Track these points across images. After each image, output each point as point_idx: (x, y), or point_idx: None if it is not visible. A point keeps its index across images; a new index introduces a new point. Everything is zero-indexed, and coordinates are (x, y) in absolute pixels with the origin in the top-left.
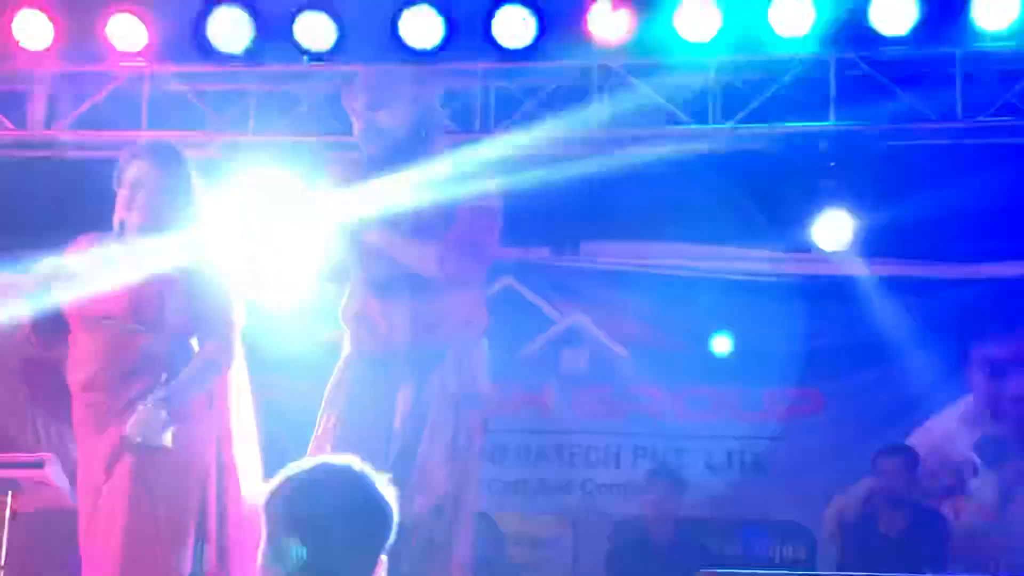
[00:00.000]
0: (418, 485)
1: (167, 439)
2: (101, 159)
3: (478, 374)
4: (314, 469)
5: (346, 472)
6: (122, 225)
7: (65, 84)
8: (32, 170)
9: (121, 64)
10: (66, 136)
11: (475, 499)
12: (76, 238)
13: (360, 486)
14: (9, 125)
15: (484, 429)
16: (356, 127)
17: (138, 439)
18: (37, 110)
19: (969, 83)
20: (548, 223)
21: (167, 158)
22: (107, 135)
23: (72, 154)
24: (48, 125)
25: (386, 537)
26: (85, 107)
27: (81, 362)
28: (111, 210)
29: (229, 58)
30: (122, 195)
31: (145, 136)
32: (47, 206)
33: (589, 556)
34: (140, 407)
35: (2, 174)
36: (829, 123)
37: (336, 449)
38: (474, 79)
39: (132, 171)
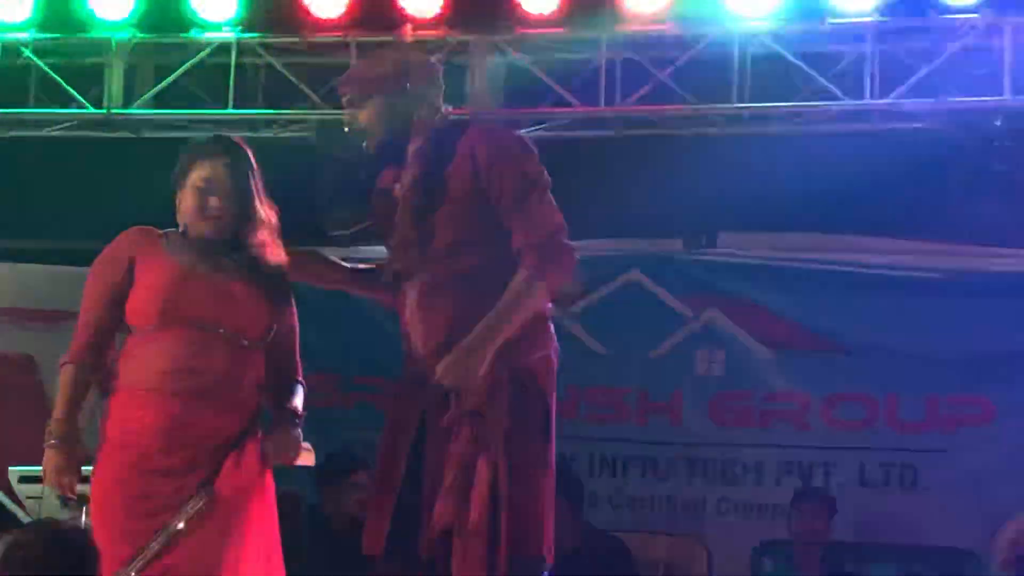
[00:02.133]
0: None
1: (310, 457)
2: (185, 141)
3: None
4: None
5: (38, 529)
6: (187, 229)
7: (145, 57)
8: (112, 151)
9: (206, 34)
10: (146, 115)
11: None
12: (127, 230)
13: (47, 542)
14: (85, 103)
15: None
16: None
17: (281, 457)
18: (115, 87)
19: None
20: (681, 211)
21: (240, 159)
22: (192, 114)
23: (151, 134)
24: (126, 103)
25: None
26: (167, 83)
27: (177, 363)
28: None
29: (326, 27)
30: (189, 197)
31: (232, 116)
32: (126, 191)
33: None
34: (284, 425)
35: (75, 158)
36: (1004, 97)
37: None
38: (597, 50)
39: (201, 172)
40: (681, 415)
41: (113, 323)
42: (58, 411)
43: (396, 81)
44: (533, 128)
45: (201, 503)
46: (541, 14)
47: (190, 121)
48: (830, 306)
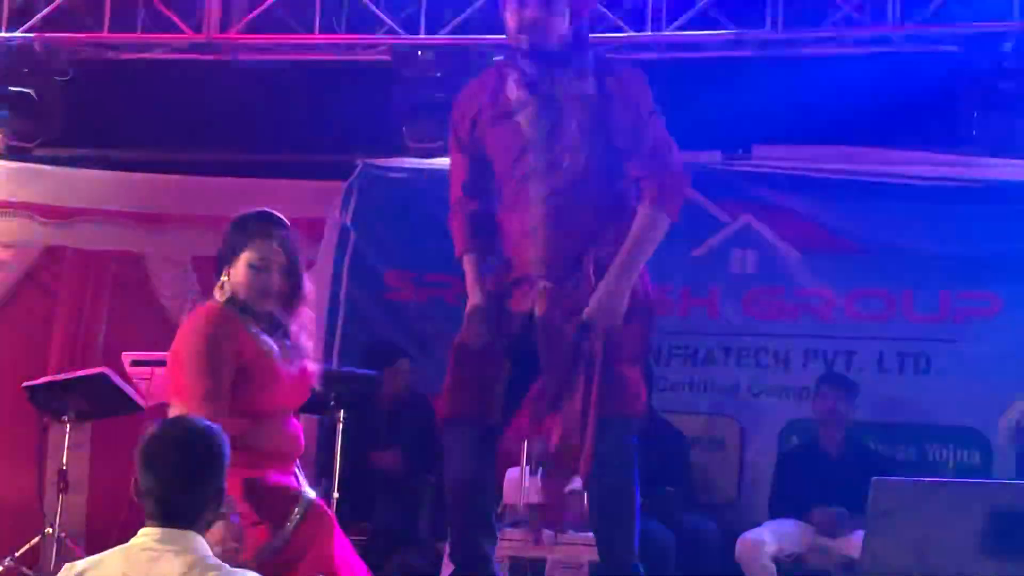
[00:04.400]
0: None
1: None
2: (274, 63)
3: None
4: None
5: (175, 420)
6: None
7: None
8: (209, 72)
9: None
10: (241, 40)
11: None
12: (213, 312)
13: (180, 428)
14: (185, 29)
15: None
16: (512, 21)
17: None
18: (211, 14)
19: None
20: (720, 126)
21: (290, 236)
22: (281, 39)
23: (245, 57)
24: (223, 29)
25: (199, 467)
26: (258, 11)
27: (282, 443)
28: (282, 114)
29: None
30: (247, 275)
31: (318, 40)
32: (222, 109)
33: (758, 458)
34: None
35: (177, 78)
36: (1013, 23)
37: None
38: None
39: (257, 251)
40: (718, 308)
41: None
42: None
43: (582, 12)
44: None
45: (303, 508)
46: None
47: (280, 45)
48: (853, 211)
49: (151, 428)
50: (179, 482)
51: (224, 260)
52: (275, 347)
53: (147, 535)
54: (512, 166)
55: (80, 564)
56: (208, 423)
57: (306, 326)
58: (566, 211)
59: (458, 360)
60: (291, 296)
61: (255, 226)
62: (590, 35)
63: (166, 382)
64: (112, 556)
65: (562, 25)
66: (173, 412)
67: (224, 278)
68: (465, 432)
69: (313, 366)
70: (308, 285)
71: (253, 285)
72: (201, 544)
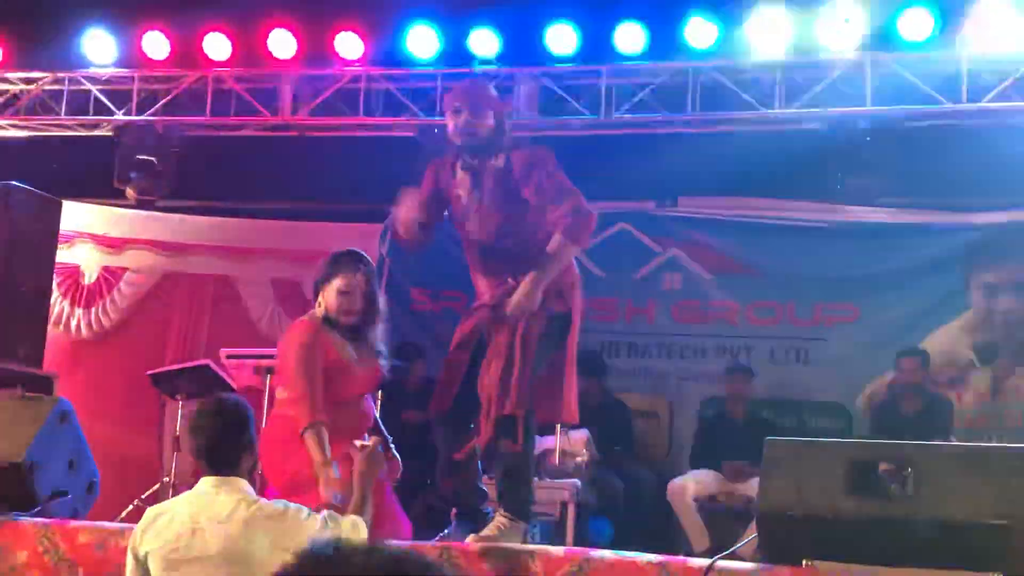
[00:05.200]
0: None
1: None
2: (331, 138)
3: None
4: (198, 403)
5: (211, 398)
6: (333, 317)
7: (305, 83)
8: (283, 145)
9: (345, 68)
10: (307, 121)
11: None
12: (306, 323)
13: (213, 402)
14: (266, 113)
15: None
16: (451, 124)
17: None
18: (285, 102)
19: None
20: (654, 183)
21: (371, 268)
22: (336, 120)
23: (311, 134)
24: (293, 113)
25: (230, 428)
26: (320, 100)
27: (355, 422)
28: (336, 175)
29: (422, 63)
30: (336, 298)
31: (364, 122)
32: (292, 171)
33: (682, 427)
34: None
35: (260, 149)
36: (867, 107)
37: (448, 368)
38: (600, 77)
39: (344, 280)
40: (654, 316)
41: None
42: (324, 459)
43: (498, 106)
44: (556, 130)
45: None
46: (563, 53)
47: (336, 124)
48: (752, 245)
49: (195, 405)
50: (218, 440)
51: (319, 285)
52: (353, 351)
53: (204, 482)
54: (459, 225)
55: (157, 507)
56: (236, 398)
57: (381, 335)
58: (491, 254)
59: (442, 368)
60: (369, 314)
61: (344, 260)
62: (555, 117)
63: (278, 374)
64: (180, 500)
65: (487, 122)
66: (279, 396)
67: (320, 299)
68: (445, 424)
69: (383, 363)
70: (383, 306)
71: (340, 305)
72: (246, 486)
